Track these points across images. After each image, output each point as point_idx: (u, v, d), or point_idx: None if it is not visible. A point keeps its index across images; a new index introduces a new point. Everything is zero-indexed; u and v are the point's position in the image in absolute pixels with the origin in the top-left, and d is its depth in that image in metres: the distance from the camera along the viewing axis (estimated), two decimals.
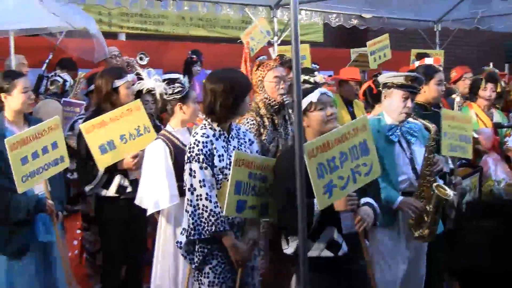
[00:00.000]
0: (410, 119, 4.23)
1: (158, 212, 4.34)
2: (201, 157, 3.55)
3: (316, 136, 3.53)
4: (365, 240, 3.62)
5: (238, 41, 5.97)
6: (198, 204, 3.54)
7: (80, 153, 4.59)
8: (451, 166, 4.65)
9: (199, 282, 3.68)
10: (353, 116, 6.24)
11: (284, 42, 8.13)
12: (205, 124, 3.69)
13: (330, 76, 7.71)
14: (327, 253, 3.52)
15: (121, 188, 4.62)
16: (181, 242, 3.69)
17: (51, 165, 4.12)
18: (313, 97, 3.57)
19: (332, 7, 7.97)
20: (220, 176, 3.59)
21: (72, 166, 5.04)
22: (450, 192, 4.05)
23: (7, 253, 4.11)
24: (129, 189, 4.61)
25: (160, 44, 9.48)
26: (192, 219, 3.56)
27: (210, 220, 3.51)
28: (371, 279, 3.55)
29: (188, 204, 3.60)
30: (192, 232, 3.56)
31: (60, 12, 5.28)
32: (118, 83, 4.67)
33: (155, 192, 4.19)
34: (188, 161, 3.60)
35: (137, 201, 4.31)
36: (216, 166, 3.58)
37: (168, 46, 9.57)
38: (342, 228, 3.51)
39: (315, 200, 3.29)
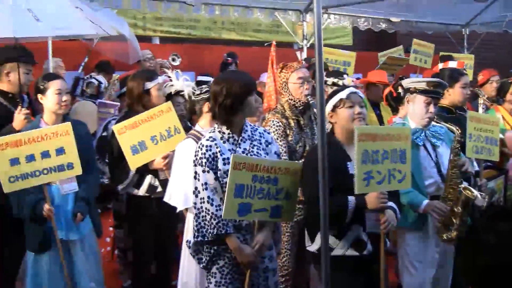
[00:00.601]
0: (435, 123, 4.19)
1: (187, 210, 4.37)
2: (204, 160, 3.51)
3: (344, 133, 3.63)
4: (386, 242, 3.61)
5: (266, 44, 5.97)
6: (201, 207, 3.51)
7: (113, 153, 4.64)
8: (476, 168, 4.58)
9: (207, 281, 3.66)
10: (379, 119, 6.20)
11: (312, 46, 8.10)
12: (214, 128, 3.66)
13: (358, 79, 7.67)
14: (352, 252, 3.52)
15: (151, 188, 4.64)
16: (189, 242, 3.69)
17: (52, 170, 4.08)
18: (343, 94, 3.64)
19: (361, 11, 7.92)
20: (226, 179, 3.47)
21: (104, 169, 5.12)
22: (477, 194, 3.99)
23: (30, 248, 4.20)
24: (159, 189, 4.62)
25: (192, 47, 9.56)
26: (196, 221, 3.54)
27: (212, 223, 3.47)
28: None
29: (193, 206, 3.59)
30: (197, 234, 3.54)
31: (96, 19, 5.34)
32: (149, 85, 4.70)
33: (184, 189, 4.17)
34: (194, 164, 3.57)
35: (166, 198, 4.31)
36: (220, 170, 3.52)
37: (200, 49, 9.64)
38: (368, 227, 3.52)
39: (350, 197, 3.38)
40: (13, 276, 4.69)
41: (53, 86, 4.25)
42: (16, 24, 4.26)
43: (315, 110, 4.52)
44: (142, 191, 4.64)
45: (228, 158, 3.50)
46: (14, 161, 3.93)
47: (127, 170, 4.52)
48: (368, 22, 8.06)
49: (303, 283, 4.89)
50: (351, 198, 3.43)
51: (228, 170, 3.43)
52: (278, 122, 4.46)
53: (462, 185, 4.02)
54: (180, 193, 4.21)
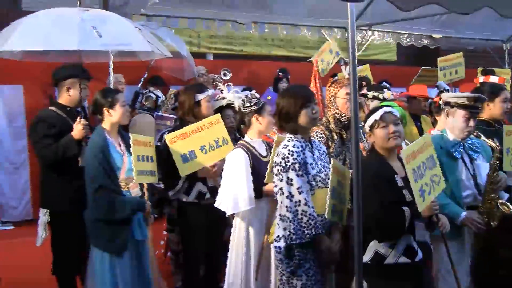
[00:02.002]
0: (472, 136, 4.13)
1: (233, 216, 4.42)
2: (297, 165, 3.54)
3: (383, 150, 3.68)
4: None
5: (308, 60, 6.00)
6: (297, 210, 3.52)
7: (165, 162, 4.69)
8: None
9: (289, 285, 3.62)
10: (420, 131, 6.12)
11: (358, 62, 8.05)
12: (291, 137, 3.70)
13: (401, 92, 7.60)
14: (404, 259, 3.51)
15: (200, 195, 4.70)
16: (279, 247, 3.62)
17: (147, 173, 4.29)
18: (377, 115, 3.67)
19: (404, 28, 7.85)
20: (313, 183, 3.58)
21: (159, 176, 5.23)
22: None
23: (110, 250, 4.21)
24: (207, 196, 4.69)
25: (244, 63, 9.62)
26: (293, 224, 3.52)
27: (310, 224, 3.50)
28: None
29: (286, 210, 3.54)
30: (294, 236, 3.52)
31: (153, 39, 5.49)
32: (199, 97, 4.79)
33: (234, 195, 4.27)
34: (284, 170, 3.56)
35: (216, 204, 4.38)
36: (310, 174, 3.59)
37: (251, 64, 9.71)
38: (417, 236, 3.54)
39: (405, 208, 3.43)
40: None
41: (120, 99, 4.39)
42: (81, 38, 4.43)
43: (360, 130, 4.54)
44: (191, 197, 4.71)
45: (312, 164, 3.63)
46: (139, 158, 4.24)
47: (178, 177, 4.60)
48: (411, 38, 8.00)
49: None
50: (407, 209, 3.44)
51: (314, 175, 3.59)
52: (321, 134, 4.48)
53: (500, 200, 3.96)
54: (229, 199, 4.29)
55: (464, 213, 3.99)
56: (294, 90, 3.81)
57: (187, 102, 4.81)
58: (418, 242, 3.56)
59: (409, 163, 3.22)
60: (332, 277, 3.83)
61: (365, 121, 3.76)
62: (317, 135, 4.46)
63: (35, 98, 7.69)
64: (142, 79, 7.68)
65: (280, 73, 8.38)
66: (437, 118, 4.98)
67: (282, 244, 3.59)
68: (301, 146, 3.64)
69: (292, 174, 3.54)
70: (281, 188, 3.57)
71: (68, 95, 4.83)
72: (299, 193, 3.52)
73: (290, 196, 3.53)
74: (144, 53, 5.50)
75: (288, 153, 3.58)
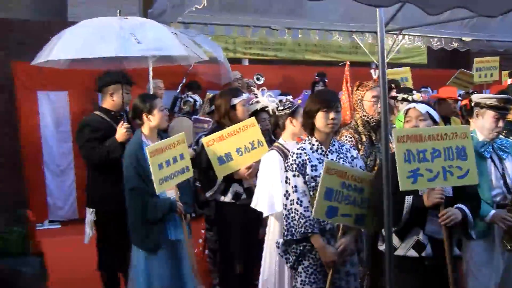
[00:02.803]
0: (501, 136, 4.10)
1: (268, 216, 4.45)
2: (294, 166, 3.65)
3: None
4: (455, 249, 3.55)
5: (340, 64, 5.99)
6: (291, 208, 3.62)
7: (201, 164, 4.77)
8: None
9: (294, 281, 3.74)
10: None
11: (388, 65, 8.02)
12: (306, 139, 3.81)
13: (431, 95, 7.55)
14: (412, 253, 3.49)
15: (236, 195, 4.74)
16: (279, 243, 3.78)
17: (179, 173, 4.26)
18: (403, 111, 3.73)
19: (434, 32, 7.77)
20: (313, 184, 3.61)
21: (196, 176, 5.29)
22: None
23: (144, 248, 4.28)
24: (243, 196, 4.73)
25: (278, 68, 9.66)
26: (286, 221, 3.64)
27: (300, 223, 3.57)
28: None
29: (283, 208, 3.70)
30: (286, 233, 3.64)
31: (190, 44, 5.57)
32: (235, 101, 4.84)
33: (270, 196, 4.29)
34: (285, 170, 3.72)
35: (253, 204, 4.41)
36: (308, 175, 3.63)
37: (286, 69, 9.73)
38: (426, 230, 3.47)
39: (407, 197, 3.38)
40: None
41: (158, 105, 4.46)
42: (120, 45, 4.53)
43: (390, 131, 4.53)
44: (228, 197, 4.76)
45: (315, 165, 3.64)
46: (160, 166, 4.10)
47: (214, 178, 4.65)
48: (441, 41, 7.90)
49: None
50: (408, 198, 3.42)
51: (315, 176, 3.60)
52: (350, 137, 4.49)
53: None
54: (266, 200, 4.31)
55: (492, 211, 3.97)
56: (318, 93, 3.97)
57: (223, 106, 4.86)
58: (435, 239, 3.46)
59: (403, 143, 3.20)
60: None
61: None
62: (346, 139, 4.46)
63: (79, 103, 7.87)
64: (181, 84, 7.77)
65: (317, 77, 8.43)
66: (470, 120, 4.95)
67: (281, 240, 3.74)
68: (311, 149, 3.70)
69: (289, 174, 3.66)
70: (283, 187, 3.70)
71: (111, 100, 4.95)
72: (293, 192, 3.62)
73: (287, 195, 3.66)
74: (182, 58, 5.57)
75: (290, 155, 3.72)
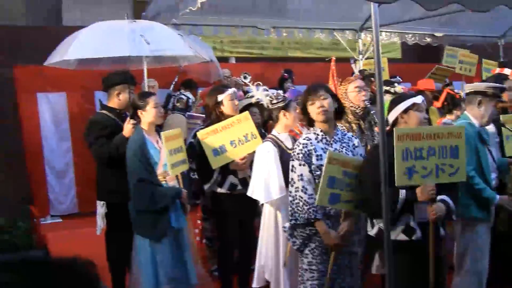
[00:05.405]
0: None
1: (262, 203, 4.36)
2: (300, 155, 3.64)
3: None
4: (441, 230, 3.50)
5: (326, 59, 5.90)
6: (296, 195, 3.62)
7: (199, 157, 4.66)
8: None
9: (301, 262, 3.73)
10: (428, 122, 6.03)
11: (368, 59, 8.00)
12: (311, 130, 3.78)
13: (408, 87, 7.54)
14: (402, 237, 3.44)
15: (232, 186, 4.65)
16: (285, 227, 3.78)
17: (180, 163, 4.27)
18: (418, 99, 3.58)
19: (408, 28, 7.80)
20: (318, 172, 3.59)
21: (193, 167, 5.17)
22: None
23: (152, 237, 4.20)
24: (239, 187, 4.63)
25: (264, 65, 9.54)
26: (291, 207, 3.66)
27: (304, 209, 3.57)
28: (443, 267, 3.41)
29: (289, 195, 3.70)
30: (291, 218, 3.66)
31: (193, 45, 5.53)
32: (221, 97, 4.72)
33: (266, 185, 4.23)
34: (292, 159, 3.70)
35: (249, 193, 4.35)
36: (314, 164, 3.61)
37: (270, 66, 9.61)
38: (417, 217, 3.43)
39: (401, 190, 3.32)
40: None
41: (151, 102, 4.35)
42: (132, 46, 4.59)
43: (374, 116, 4.48)
44: (224, 188, 4.66)
45: (320, 155, 3.62)
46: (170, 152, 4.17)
47: (212, 171, 4.55)
48: (415, 37, 7.98)
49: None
50: (402, 191, 3.36)
51: (320, 165, 3.58)
52: (342, 126, 4.41)
53: None
54: (262, 188, 4.26)
55: (498, 196, 3.98)
56: (306, 88, 3.87)
57: (210, 104, 4.78)
58: (423, 223, 3.42)
59: (402, 142, 3.15)
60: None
61: (389, 111, 3.61)
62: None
63: (77, 103, 7.78)
64: (173, 83, 7.64)
65: (285, 74, 8.31)
66: (454, 110, 4.93)
67: (286, 224, 3.75)
68: (316, 139, 3.68)
69: (295, 163, 3.66)
70: (290, 175, 3.69)
71: (118, 100, 4.85)
72: (299, 180, 3.62)
73: (293, 182, 3.66)
74: (183, 58, 5.62)
75: (297, 145, 3.71)
